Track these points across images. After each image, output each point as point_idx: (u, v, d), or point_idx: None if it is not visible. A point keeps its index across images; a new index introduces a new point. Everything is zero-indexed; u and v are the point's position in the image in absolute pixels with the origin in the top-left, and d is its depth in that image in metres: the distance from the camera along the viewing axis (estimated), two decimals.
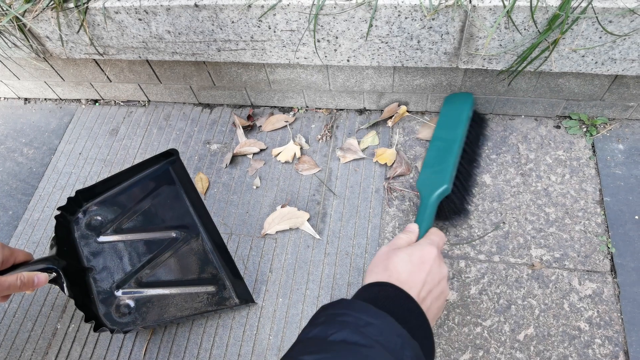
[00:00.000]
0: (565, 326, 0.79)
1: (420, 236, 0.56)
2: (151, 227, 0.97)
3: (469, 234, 0.89)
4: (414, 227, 0.56)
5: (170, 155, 1.06)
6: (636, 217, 0.87)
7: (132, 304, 0.88)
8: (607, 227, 0.87)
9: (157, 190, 1.02)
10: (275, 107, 1.14)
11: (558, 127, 1.00)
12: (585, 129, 0.98)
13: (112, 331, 0.83)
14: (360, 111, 1.10)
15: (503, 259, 0.86)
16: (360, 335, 0.33)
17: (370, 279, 0.48)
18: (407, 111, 1.06)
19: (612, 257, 0.84)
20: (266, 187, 1.02)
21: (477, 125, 0.95)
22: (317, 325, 0.36)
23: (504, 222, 0.90)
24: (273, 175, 1.03)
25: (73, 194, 0.97)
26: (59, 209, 0.94)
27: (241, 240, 0.96)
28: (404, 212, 0.94)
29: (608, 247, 0.84)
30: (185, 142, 1.12)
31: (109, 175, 1.01)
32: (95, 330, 0.82)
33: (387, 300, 0.43)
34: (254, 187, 1.02)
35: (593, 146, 0.96)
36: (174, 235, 0.96)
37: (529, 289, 0.83)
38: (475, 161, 0.94)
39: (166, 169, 1.04)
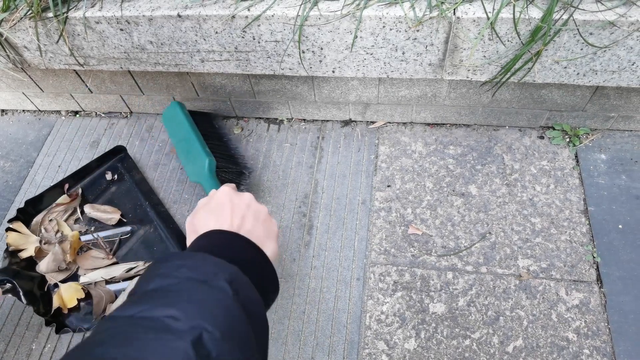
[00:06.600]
0: (554, 337, 0.78)
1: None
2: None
3: (456, 245, 0.89)
4: (210, 193, 0.59)
5: (119, 152, 1.09)
6: (620, 226, 0.87)
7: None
8: (592, 236, 0.87)
9: (109, 189, 1.05)
10: (260, 118, 1.13)
11: (542, 137, 1.01)
12: (568, 139, 0.99)
13: (74, 331, 0.85)
14: (346, 122, 1.09)
15: (490, 269, 0.86)
16: (170, 279, 0.35)
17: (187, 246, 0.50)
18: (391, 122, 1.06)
19: (597, 267, 0.84)
20: None
21: (202, 118, 1.06)
22: (137, 285, 0.37)
23: (490, 233, 0.90)
24: (259, 187, 1.02)
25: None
26: (9, 221, 0.96)
27: None
28: (391, 224, 0.93)
29: (594, 257, 0.85)
30: (168, 155, 1.10)
31: (54, 183, 1.03)
32: (57, 332, 0.84)
33: (201, 241, 0.45)
34: None
35: (576, 156, 0.97)
36: (129, 229, 0.99)
37: (517, 300, 0.82)
38: (222, 137, 1.09)
39: (115, 167, 1.07)
